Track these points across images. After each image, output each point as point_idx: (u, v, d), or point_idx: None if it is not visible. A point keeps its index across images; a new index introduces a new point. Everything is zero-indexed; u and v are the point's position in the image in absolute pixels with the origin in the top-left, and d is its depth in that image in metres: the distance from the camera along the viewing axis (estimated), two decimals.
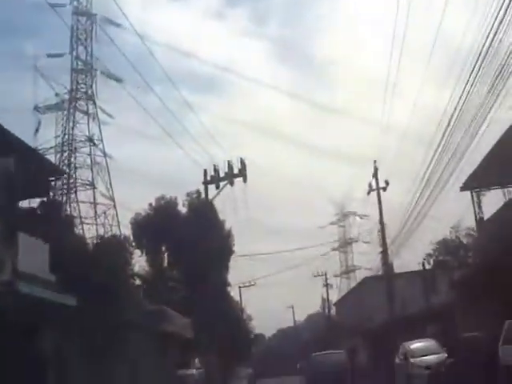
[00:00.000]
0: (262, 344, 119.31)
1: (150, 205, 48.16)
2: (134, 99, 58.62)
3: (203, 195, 43.05)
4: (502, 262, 18.94)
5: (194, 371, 32.49)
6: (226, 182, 28.78)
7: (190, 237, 40.73)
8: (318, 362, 23.89)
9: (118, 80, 50.61)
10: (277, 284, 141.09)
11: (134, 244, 46.31)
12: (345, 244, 65.50)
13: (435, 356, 21.68)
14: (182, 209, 46.21)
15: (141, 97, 66.12)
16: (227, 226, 47.69)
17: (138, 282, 46.03)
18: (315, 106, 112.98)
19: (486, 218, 26.12)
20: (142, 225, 47.19)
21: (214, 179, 28.93)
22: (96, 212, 52.26)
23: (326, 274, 61.24)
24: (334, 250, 61.83)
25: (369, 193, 34.16)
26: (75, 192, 53.23)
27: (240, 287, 64.72)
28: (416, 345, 23.12)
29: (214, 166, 29.11)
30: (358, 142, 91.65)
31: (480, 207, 26.58)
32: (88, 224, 49.88)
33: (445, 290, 30.56)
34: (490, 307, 20.32)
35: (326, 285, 60.28)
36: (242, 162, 29.02)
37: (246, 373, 37.79)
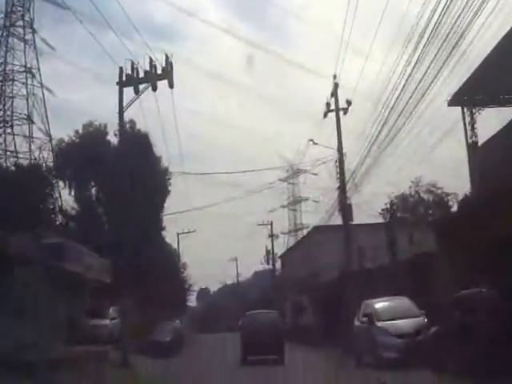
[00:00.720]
0: (207, 299, 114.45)
1: (77, 132, 41.03)
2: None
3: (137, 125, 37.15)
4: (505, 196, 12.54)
5: (108, 321, 25.69)
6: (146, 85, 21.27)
7: (121, 171, 34.10)
8: (251, 320, 23.35)
9: (61, 5, 41.96)
10: (219, 235, 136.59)
11: (55, 175, 40.39)
12: (294, 202, 59.41)
13: (411, 320, 15.88)
14: (114, 139, 39.24)
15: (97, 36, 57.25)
16: (164, 164, 42.53)
17: (61, 218, 40.66)
18: (272, 56, 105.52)
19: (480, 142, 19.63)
20: (65, 153, 40.39)
21: (131, 80, 21.36)
22: (30, 146, 46.12)
23: (271, 224, 54.72)
24: (283, 207, 57.24)
25: (325, 115, 26.86)
26: (11, 126, 47.77)
27: (178, 234, 57.82)
28: (383, 304, 17.25)
29: (132, 62, 21.46)
30: (314, 95, 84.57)
31: (473, 128, 20.11)
32: (22, 158, 44.42)
33: (405, 247, 26.17)
34: (486, 255, 13.87)
35: (272, 235, 53.65)
36: (168, 59, 21.45)
37: (172, 327, 30.68)
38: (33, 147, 46.39)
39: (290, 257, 47.39)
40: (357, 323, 18.31)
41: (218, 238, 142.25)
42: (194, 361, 26.18)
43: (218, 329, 71.76)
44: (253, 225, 57.12)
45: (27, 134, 47.35)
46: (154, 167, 42.17)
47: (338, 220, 30.02)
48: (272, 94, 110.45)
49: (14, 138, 47.13)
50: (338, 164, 24.23)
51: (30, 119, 47.46)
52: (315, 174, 45.42)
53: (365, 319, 16.91)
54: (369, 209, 37.78)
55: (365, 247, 29.73)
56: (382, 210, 51.43)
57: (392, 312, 16.41)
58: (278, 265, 53.75)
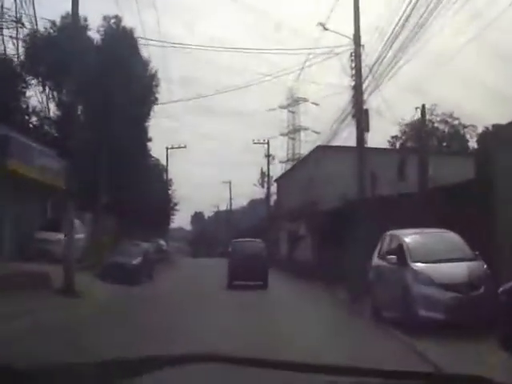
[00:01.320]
0: (201, 223, 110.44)
1: (53, 23, 34.67)
2: None
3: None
4: None
5: (62, 236, 20.62)
6: None
7: (102, 72, 29.88)
8: (237, 247, 23.96)
9: None
10: (212, 154, 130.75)
11: (27, 70, 34.77)
12: (294, 131, 56.00)
13: (463, 265, 10.62)
14: (96, 36, 33.62)
15: None
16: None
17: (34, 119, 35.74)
18: None
19: None
20: (40, 47, 34.22)
21: None
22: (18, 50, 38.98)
23: (268, 143, 48.80)
24: (282, 135, 53.87)
25: None
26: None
27: (167, 148, 52.35)
28: (420, 237, 11.80)
29: None
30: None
31: None
32: None
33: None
34: None
35: (268, 155, 48.10)
36: None
37: (141, 248, 24.71)
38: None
39: (287, 181, 41.95)
40: (377, 262, 13.05)
41: (211, 157, 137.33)
42: (167, 288, 22.09)
43: (210, 254, 69.05)
44: (248, 144, 52.00)
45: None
46: (141, 71, 36.53)
47: (344, 141, 25.26)
48: None
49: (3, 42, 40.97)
50: (353, 57, 18.32)
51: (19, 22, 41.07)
52: (317, 104, 40.69)
53: (391, 258, 11.50)
54: (390, 116, 32.55)
55: (378, 173, 24.26)
56: (392, 137, 45.93)
57: (434, 250, 11.11)
58: (274, 188, 48.09)
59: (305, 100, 49.78)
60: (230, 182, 76.83)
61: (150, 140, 41.93)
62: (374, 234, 14.52)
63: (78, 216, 24.25)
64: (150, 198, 39.63)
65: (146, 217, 39.72)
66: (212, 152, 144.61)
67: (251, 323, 12.09)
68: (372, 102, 19.28)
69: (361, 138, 18.16)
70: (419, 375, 1.58)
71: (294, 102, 54.35)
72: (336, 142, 29.18)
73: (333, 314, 14.25)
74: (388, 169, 27.47)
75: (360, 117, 17.96)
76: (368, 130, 18.36)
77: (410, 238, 11.57)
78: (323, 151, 31.68)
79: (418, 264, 10.62)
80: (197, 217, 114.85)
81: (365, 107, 18.46)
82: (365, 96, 18.50)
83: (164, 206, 49.49)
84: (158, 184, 48.40)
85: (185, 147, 53.84)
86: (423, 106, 23.70)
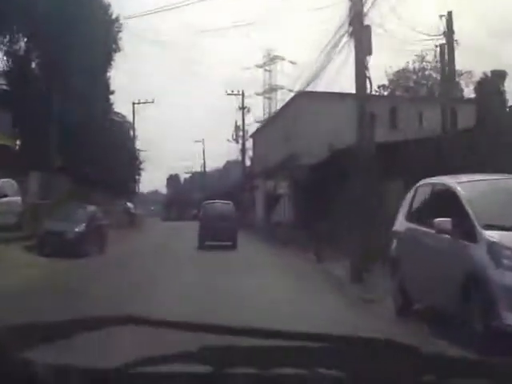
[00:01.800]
0: (176, 187, 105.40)
1: None
2: None
3: None
4: None
5: None
6: None
7: (55, 16, 26.46)
8: (208, 209, 23.99)
9: None
10: (184, 111, 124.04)
11: None
12: (270, 90, 52.34)
13: None
14: None
15: None
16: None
17: None
18: None
19: None
20: None
21: None
22: None
23: (243, 94, 43.53)
24: (257, 94, 49.70)
25: None
26: None
27: (134, 103, 47.19)
28: (487, 188, 6.84)
29: None
30: None
31: None
32: None
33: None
34: None
35: (242, 108, 42.86)
36: None
37: (87, 212, 19.01)
38: None
39: (264, 135, 37.23)
40: (406, 226, 8.33)
41: (182, 114, 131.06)
42: (121, 259, 17.97)
43: (183, 217, 64.43)
44: (221, 95, 47.35)
45: None
46: (100, 15, 31.66)
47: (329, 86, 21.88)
48: None
49: None
50: None
51: None
52: (294, 63, 37.44)
53: (442, 222, 6.70)
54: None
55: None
56: (379, 86, 41.20)
57: None
58: (250, 143, 43.08)
59: (282, 59, 47.34)
60: (202, 141, 71.50)
61: (112, 93, 37.04)
62: (379, 190, 10.12)
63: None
64: (113, 158, 34.87)
65: (108, 178, 34.89)
66: (184, 109, 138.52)
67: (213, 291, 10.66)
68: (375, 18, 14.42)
69: (361, 62, 13.39)
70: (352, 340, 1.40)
71: (270, 61, 51.35)
72: (321, 88, 24.66)
73: (335, 304, 9.58)
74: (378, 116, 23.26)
75: (360, 32, 13.21)
76: (371, 53, 13.65)
77: (470, 188, 6.86)
78: (306, 98, 26.97)
79: (493, 233, 6.03)
80: (172, 180, 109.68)
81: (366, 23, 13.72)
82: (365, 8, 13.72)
83: (130, 166, 44.67)
84: (123, 142, 43.68)
85: (152, 102, 48.71)
86: (449, 13, 19.33)
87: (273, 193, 27.68)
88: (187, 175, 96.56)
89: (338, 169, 16.25)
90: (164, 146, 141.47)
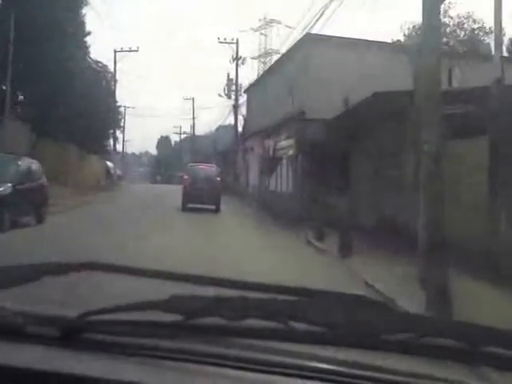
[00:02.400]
0: (166, 149, 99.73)
1: None
2: None
3: None
4: None
5: None
6: None
7: None
8: (191, 172, 23.11)
9: None
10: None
11: None
12: (265, 54, 50.21)
13: None
14: None
15: None
16: None
17: None
18: None
19: None
20: None
21: None
22: None
23: (237, 43, 37.50)
24: (252, 58, 47.34)
25: None
26: None
27: (116, 51, 41.43)
28: None
29: None
30: None
31: None
32: None
33: None
34: None
35: (236, 58, 36.93)
36: None
37: (17, 169, 13.24)
38: None
39: (261, 90, 31.64)
40: None
41: (171, 68, 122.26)
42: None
43: (171, 181, 60.47)
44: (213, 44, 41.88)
45: None
46: None
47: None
48: None
49: None
50: None
51: None
52: (290, 27, 33.37)
53: None
54: None
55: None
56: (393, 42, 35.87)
57: None
58: (244, 98, 37.34)
59: (278, 22, 45.88)
60: (192, 99, 65.73)
61: (87, 34, 31.15)
62: None
63: None
64: (85, 109, 29.29)
65: (79, 131, 29.38)
66: (172, 62, 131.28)
67: None
68: None
69: None
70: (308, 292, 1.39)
71: (266, 25, 49.54)
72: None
73: None
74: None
75: None
76: None
77: None
78: (313, 43, 21.52)
79: None
80: (162, 141, 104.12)
81: None
82: None
83: (106, 121, 39.03)
84: (100, 93, 37.95)
85: (136, 51, 42.86)
86: None
87: (271, 156, 22.29)
88: (178, 137, 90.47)
89: (372, 123, 11.02)
90: (153, 103, 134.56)
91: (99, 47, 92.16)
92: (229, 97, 37.10)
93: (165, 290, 1.29)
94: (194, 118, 65.75)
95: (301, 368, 1.22)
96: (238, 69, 35.96)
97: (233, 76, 36.81)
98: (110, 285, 2.33)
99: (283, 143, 20.03)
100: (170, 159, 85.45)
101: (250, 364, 1.22)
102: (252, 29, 49.61)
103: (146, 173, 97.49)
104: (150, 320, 1.26)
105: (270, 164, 21.91)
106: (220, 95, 37.77)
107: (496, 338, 1.25)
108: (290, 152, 18.23)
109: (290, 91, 23.37)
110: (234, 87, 36.49)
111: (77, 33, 29.13)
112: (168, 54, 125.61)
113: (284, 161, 21.32)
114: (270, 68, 31.15)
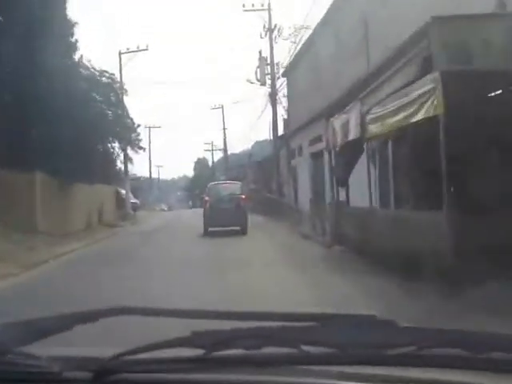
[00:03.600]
0: (205, 169, 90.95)
1: None
2: None
3: None
4: None
5: None
6: None
7: None
8: (212, 191, 20.78)
9: None
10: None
11: None
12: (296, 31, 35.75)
13: None
14: None
15: None
16: None
17: None
18: None
19: None
20: None
21: None
22: None
23: (269, 6, 26.36)
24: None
25: None
26: None
27: (121, 52, 32.02)
28: None
29: None
30: None
31: None
32: None
33: None
34: None
35: (269, 28, 26.04)
36: None
37: None
38: None
39: (311, 62, 21.63)
40: None
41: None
42: None
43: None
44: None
45: None
46: None
47: None
48: None
49: None
50: None
51: None
52: None
53: None
54: None
55: None
56: None
57: None
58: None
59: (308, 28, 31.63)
60: (222, 108, 56.28)
61: (72, 26, 21.74)
62: None
63: None
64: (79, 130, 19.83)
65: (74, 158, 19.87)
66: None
67: None
68: None
69: None
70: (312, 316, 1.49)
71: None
72: None
73: None
74: None
75: None
76: None
77: None
78: None
79: None
80: (200, 163, 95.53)
81: None
82: None
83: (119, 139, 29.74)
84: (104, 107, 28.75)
85: (146, 50, 33.28)
86: None
87: (344, 145, 11.75)
88: (216, 156, 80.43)
89: None
90: (179, 119, 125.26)
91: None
92: (262, 83, 26.60)
93: (188, 327, 1.34)
94: (224, 130, 55.87)
95: None
96: (273, 44, 25.34)
97: (266, 55, 26.33)
98: (138, 328, 2.49)
99: (407, 98, 8.77)
100: (205, 180, 75.84)
101: None
102: None
103: (183, 197, 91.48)
104: (175, 356, 1.33)
105: (350, 158, 11.38)
106: (250, 82, 27.35)
107: (493, 343, 1.32)
108: (421, 114, 7.38)
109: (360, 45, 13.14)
110: (267, 70, 25.99)
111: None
112: (182, 47, 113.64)
113: (372, 152, 11.12)
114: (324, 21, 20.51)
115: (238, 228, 18.98)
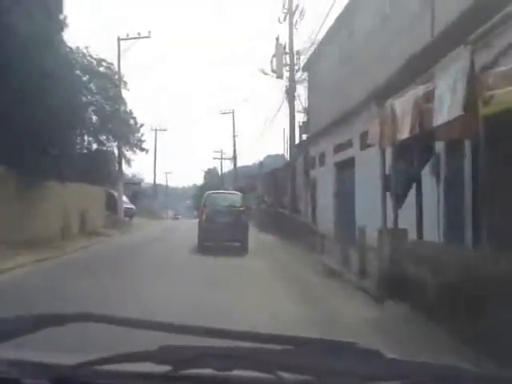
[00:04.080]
0: (215, 178, 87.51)
1: None
2: None
3: None
4: None
5: None
6: None
7: None
8: (209, 202, 18.17)
9: None
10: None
11: None
12: None
13: None
14: None
15: None
16: None
17: None
18: None
19: None
20: None
21: None
22: None
23: None
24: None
25: None
26: None
27: (119, 39, 28.44)
28: None
29: None
30: None
31: None
32: None
33: None
34: None
35: (290, 10, 21.34)
36: None
37: None
38: None
39: (337, 55, 17.68)
40: None
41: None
42: None
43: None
44: None
45: None
46: None
47: None
48: None
49: None
50: None
51: None
52: None
53: None
54: None
55: None
56: None
57: None
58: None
59: None
60: (232, 113, 52.75)
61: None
62: None
63: None
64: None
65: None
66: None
67: None
68: None
69: None
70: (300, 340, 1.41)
71: None
72: None
73: None
74: None
75: None
76: None
77: None
78: None
79: None
80: (210, 173, 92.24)
81: None
82: None
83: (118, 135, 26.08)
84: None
85: (148, 37, 29.33)
86: None
87: (413, 138, 7.48)
88: (226, 167, 76.38)
89: None
90: (188, 122, 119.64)
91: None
92: (279, 75, 22.22)
93: (158, 340, 1.28)
94: (234, 137, 52.27)
95: None
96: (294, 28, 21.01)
97: (284, 42, 22.02)
98: (104, 335, 2.26)
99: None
100: (213, 190, 71.47)
101: None
102: None
103: (192, 206, 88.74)
104: (139, 371, 1.26)
105: (418, 160, 7.15)
106: (264, 72, 23.00)
107: (480, 379, 1.29)
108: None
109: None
110: (285, 61, 21.68)
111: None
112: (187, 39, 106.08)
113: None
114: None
115: (237, 244, 17.15)
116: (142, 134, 46.19)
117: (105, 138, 26.14)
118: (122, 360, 1.25)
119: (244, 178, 50.49)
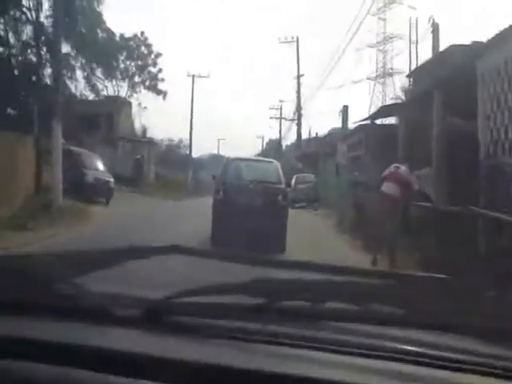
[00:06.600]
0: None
1: None
2: None
3: None
4: None
5: None
6: None
7: None
8: (230, 172, 11.16)
9: None
10: None
11: None
12: (384, 40, 37.88)
13: None
14: None
15: None
16: None
17: None
18: None
19: None
20: None
21: None
22: None
23: None
24: (369, 46, 37.59)
25: None
26: None
27: None
28: None
29: None
30: None
31: None
32: None
33: None
34: None
35: None
36: None
37: None
38: None
39: None
40: None
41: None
42: None
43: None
44: None
45: None
46: None
47: None
48: None
49: None
50: None
51: None
52: (414, 8, 28.39)
53: None
54: None
55: None
56: None
57: None
58: None
59: (400, 3, 35.24)
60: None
61: None
62: None
63: None
64: None
65: None
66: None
67: None
68: None
69: None
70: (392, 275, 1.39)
71: (384, 7, 36.88)
72: None
73: None
74: None
75: None
76: None
77: None
78: None
79: None
80: (271, 143, 78.99)
81: None
82: None
83: None
84: None
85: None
86: None
87: None
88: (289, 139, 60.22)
89: None
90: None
91: None
92: None
93: (247, 273, 1.24)
94: (298, 77, 38.64)
95: (378, 349, 1.11)
96: None
97: None
98: (192, 269, 2.11)
99: None
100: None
101: (335, 346, 1.12)
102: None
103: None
104: (235, 302, 1.20)
105: None
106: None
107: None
108: None
109: None
110: None
111: None
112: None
113: None
114: None
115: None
116: (160, 70, 35.22)
117: None
118: (215, 291, 1.19)
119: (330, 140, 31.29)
